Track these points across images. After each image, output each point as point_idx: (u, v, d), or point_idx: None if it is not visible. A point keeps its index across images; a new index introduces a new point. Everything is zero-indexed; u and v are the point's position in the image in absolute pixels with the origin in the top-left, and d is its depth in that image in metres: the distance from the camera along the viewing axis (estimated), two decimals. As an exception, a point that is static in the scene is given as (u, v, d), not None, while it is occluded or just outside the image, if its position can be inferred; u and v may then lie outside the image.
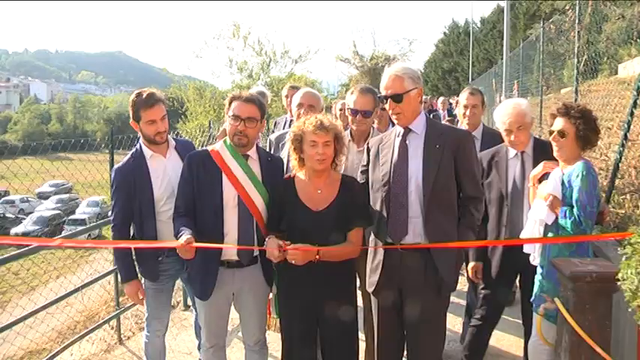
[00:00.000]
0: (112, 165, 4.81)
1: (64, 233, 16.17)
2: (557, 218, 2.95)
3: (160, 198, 3.20)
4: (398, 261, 2.83)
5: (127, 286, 3.34)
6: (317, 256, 2.70)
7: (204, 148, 3.23)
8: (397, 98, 2.79)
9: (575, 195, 2.88)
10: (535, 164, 3.29)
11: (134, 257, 3.35)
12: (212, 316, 3.11)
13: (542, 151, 3.36)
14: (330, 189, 2.87)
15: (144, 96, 3.19)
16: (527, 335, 3.67)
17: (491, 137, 3.92)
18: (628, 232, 1.93)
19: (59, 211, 33.68)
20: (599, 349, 2.30)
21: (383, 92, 2.85)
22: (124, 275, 3.33)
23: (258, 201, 2.95)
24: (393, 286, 2.89)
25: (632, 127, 4.67)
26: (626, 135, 3.71)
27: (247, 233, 2.94)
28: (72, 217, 31.64)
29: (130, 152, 3.33)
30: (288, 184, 2.93)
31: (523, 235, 3.18)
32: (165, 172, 3.25)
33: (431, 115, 9.89)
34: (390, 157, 2.87)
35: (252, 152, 3.03)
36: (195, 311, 3.73)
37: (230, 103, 2.98)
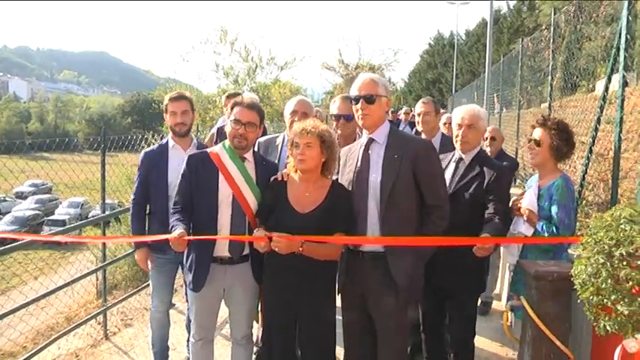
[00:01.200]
0: (103, 165, 4.97)
1: (42, 234, 16.08)
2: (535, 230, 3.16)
3: (172, 183, 3.63)
4: (359, 265, 2.99)
5: (137, 253, 3.84)
6: (300, 248, 2.86)
7: (204, 149, 3.44)
8: (370, 99, 2.94)
9: (554, 209, 3.11)
10: (465, 171, 3.35)
11: (147, 229, 3.87)
12: (203, 310, 3.27)
13: (478, 163, 3.35)
14: (318, 193, 3.02)
15: (174, 92, 4.00)
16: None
17: (450, 143, 3.96)
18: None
19: (38, 212, 33.30)
20: (557, 342, 2.53)
21: (356, 93, 2.98)
22: (137, 243, 3.86)
23: (251, 200, 3.13)
24: (355, 288, 3.04)
25: (603, 142, 4.96)
26: (591, 149, 3.97)
27: (239, 230, 3.11)
28: (51, 217, 31.32)
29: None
30: (281, 184, 3.10)
31: (502, 248, 3.37)
32: (180, 163, 3.55)
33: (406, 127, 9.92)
34: (354, 167, 3.04)
35: (249, 155, 3.22)
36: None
37: (232, 108, 3.20)
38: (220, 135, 4.96)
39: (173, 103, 3.85)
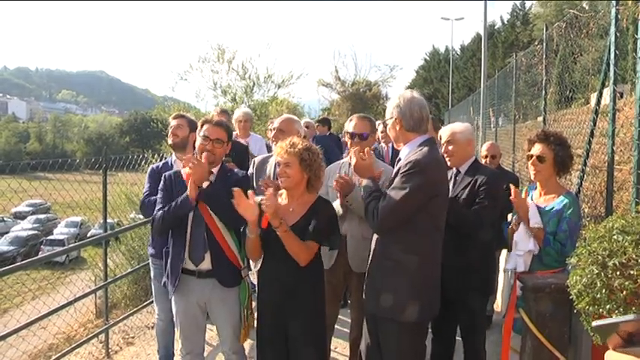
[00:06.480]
0: (104, 185, 5.02)
1: (41, 254, 16.03)
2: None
3: None
4: None
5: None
6: (281, 222, 2.92)
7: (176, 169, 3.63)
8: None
9: (564, 226, 3.13)
10: (461, 180, 3.53)
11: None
12: (186, 323, 3.36)
13: (474, 174, 3.51)
14: (301, 208, 3.13)
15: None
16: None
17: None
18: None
19: (36, 232, 33.16)
20: (557, 352, 2.57)
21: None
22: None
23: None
24: None
25: (600, 155, 5.02)
26: (585, 162, 4.03)
27: (199, 237, 3.24)
28: (50, 237, 31.16)
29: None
30: None
31: (509, 266, 3.35)
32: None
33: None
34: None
35: (215, 169, 3.35)
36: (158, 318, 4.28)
37: (202, 126, 3.42)
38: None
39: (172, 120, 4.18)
